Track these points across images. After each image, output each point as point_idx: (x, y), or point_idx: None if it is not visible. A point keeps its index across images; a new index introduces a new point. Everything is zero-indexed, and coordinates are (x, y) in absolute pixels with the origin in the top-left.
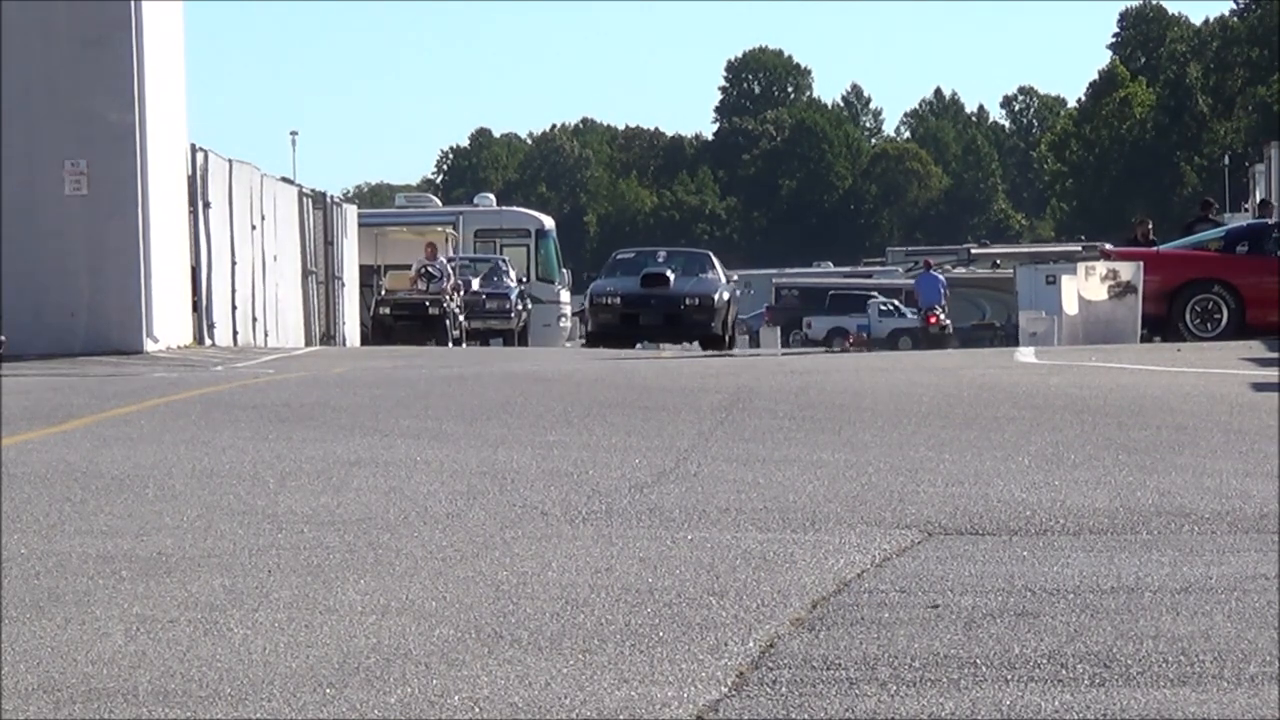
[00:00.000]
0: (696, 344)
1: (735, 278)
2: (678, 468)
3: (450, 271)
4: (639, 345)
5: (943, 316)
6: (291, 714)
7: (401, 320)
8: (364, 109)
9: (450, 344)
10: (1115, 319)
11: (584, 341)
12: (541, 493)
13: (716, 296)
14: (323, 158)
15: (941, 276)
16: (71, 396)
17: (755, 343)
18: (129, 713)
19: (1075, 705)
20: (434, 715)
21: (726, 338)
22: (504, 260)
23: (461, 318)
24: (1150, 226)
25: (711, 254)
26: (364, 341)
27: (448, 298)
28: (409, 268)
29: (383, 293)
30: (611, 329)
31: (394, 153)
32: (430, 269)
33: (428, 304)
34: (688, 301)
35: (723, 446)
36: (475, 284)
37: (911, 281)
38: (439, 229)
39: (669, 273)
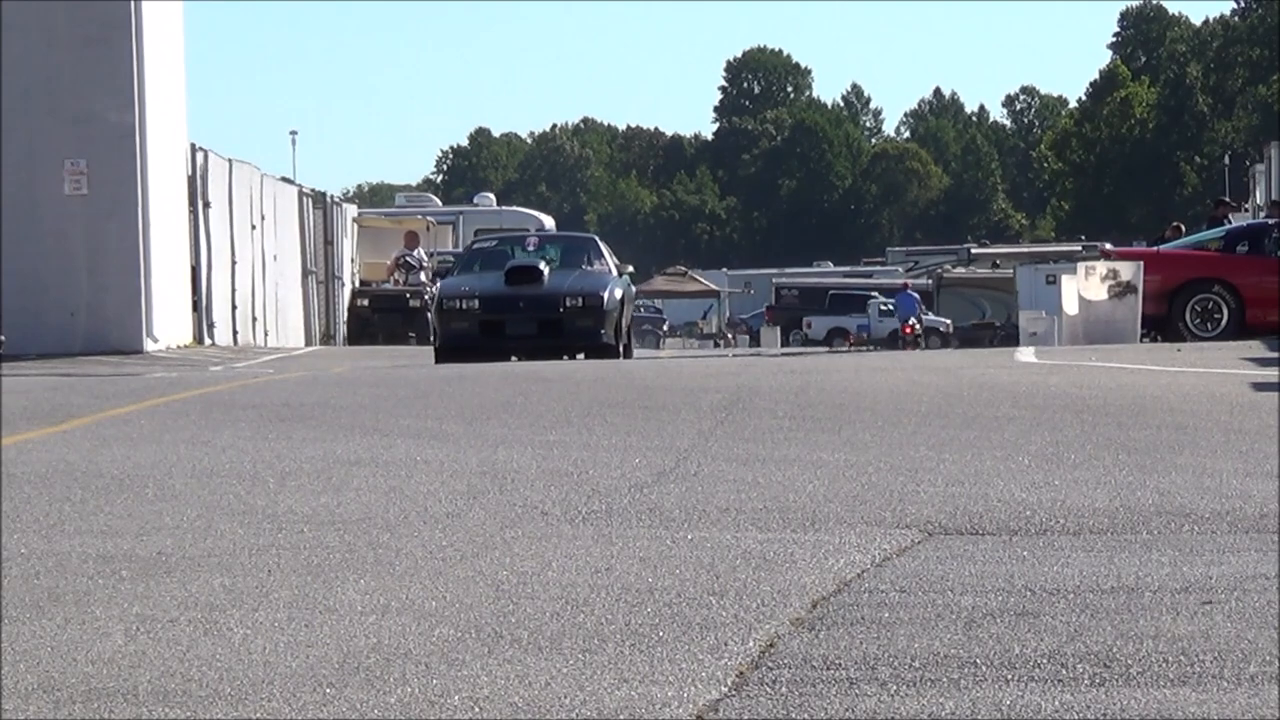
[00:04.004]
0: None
1: (631, 270)
2: (678, 468)
3: (426, 264)
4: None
5: (917, 328)
6: (291, 714)
7: (380, 313)
8: (364, 109)
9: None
10: (1115, 319)
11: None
12: (541, 493)
13: (606, 294)
14: (323, 158)
15: (917, 295)
16: (71, 396)
17: (756, 342)
18: (129, 713)
19: (1075, 705)
20: (434, 715)
21: (621, 346)
22: None
23: None
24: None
25: (599, 239)
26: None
27: (426, 290)
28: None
29: (358, 284)
30: (468, 341)
31: (394, 153)
32: (409, 259)
33: (408, 296)
34: (568, 302)
35: (723, 446)
36: None
37: (912, 281)
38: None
39: (542, 265)
